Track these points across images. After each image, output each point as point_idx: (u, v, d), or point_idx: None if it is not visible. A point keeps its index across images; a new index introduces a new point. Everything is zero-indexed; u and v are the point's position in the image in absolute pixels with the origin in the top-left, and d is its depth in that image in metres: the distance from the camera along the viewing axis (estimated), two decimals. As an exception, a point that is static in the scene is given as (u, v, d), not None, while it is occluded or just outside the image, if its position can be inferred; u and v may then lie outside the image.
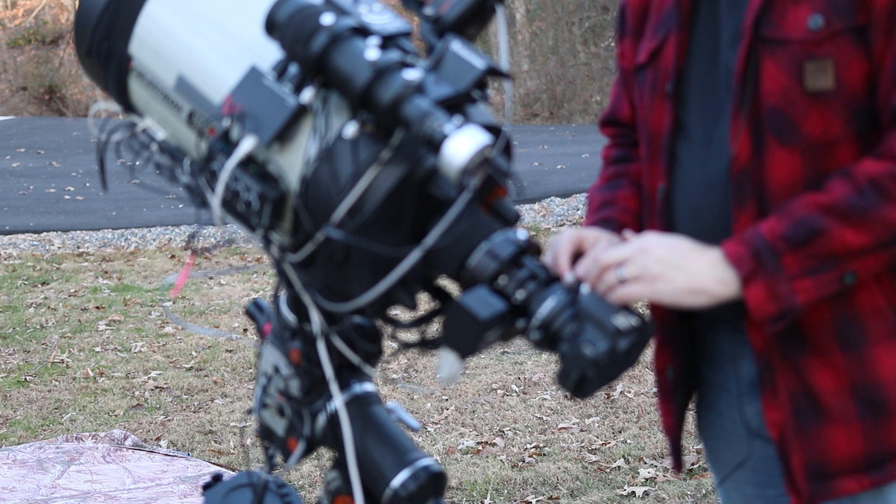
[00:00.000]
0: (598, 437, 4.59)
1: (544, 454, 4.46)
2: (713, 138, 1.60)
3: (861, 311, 1.55)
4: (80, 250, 9.18)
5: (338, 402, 1.51)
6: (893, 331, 1.55)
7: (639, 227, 1.71)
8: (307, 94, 1.34)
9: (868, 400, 1.55)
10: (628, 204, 1.75)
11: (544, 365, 5.54)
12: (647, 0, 1.73)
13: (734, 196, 1.56)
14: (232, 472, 2.03)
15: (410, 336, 1.46)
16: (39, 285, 7.90)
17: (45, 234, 9.77)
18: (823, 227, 1.48)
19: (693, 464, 4.15)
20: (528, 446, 4.54)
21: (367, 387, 1.56)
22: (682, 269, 1.49)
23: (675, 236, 1.55)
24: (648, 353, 1.64)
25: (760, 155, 1.54)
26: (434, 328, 1.43)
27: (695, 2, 1.63)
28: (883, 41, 1.49)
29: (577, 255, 1.58)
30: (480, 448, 4.55)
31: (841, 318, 1.55)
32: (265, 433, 1.60)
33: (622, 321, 1.38)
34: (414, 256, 1.34)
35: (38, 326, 6.73)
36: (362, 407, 1.54)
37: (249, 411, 1.62)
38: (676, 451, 1.81)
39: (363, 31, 1.34)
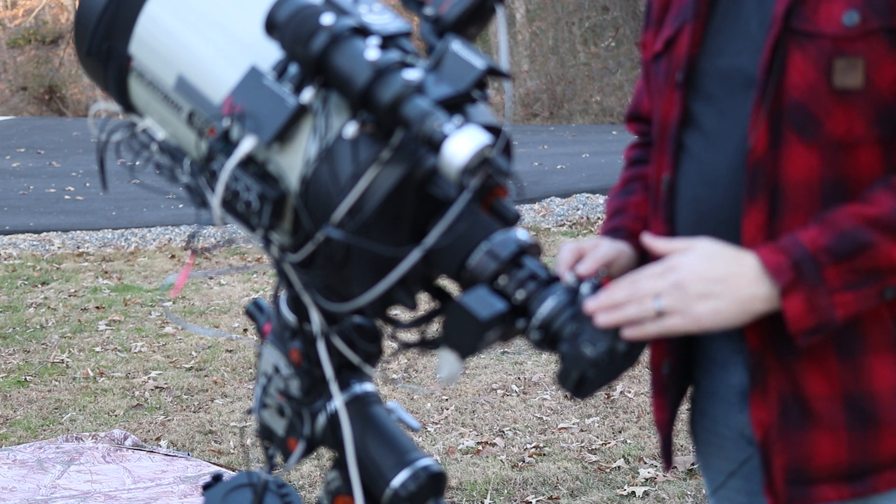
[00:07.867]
0: (598, 437, 4.59)
1: (544, 454, 4.46)
2: (725, 130, 1.56)
3: (862, 319, 1.51)
4: (80, 250, 9.18)
5: (338, 402, 1.51)
6: (892, 342, 1.52)
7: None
8: (307, 94, 1.34)
9: (858, 409, 1.52)
10: (639, 211, 1.73)
11: (544, 365, 5.54)
12: None
13: (747, 188, 1.52)
14: (232, 472, 2.03)
15: (410, 336, 1.46)
16: (39, 285, 7.90)
17: (45, 234, 9.77)
18: (871, 242, 1.43)
19: (693, 464, 4.15)
20: (528, 446, 4.54)
21: (367, 387, 1.56)
22: (723, 297, 1.44)
23: (705, 255, 1.47)
24: (648, 353, 1.64)
25: (777, 148, 1.51)
26: (434, 328, 1.43)
27: None
28: None
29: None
30: (480, 448, 4.55)
31: None
32: (265, 433, 1.60)
33: (622, 321, 1.38)
34: (414, 256, 1.34)
35: (38, 326, 6.73)
36: (362, 407, 1.54)
37: (249, 411, 1.62)
38: (667, 448, 1.79)
39: (363, 31, 1.34)
